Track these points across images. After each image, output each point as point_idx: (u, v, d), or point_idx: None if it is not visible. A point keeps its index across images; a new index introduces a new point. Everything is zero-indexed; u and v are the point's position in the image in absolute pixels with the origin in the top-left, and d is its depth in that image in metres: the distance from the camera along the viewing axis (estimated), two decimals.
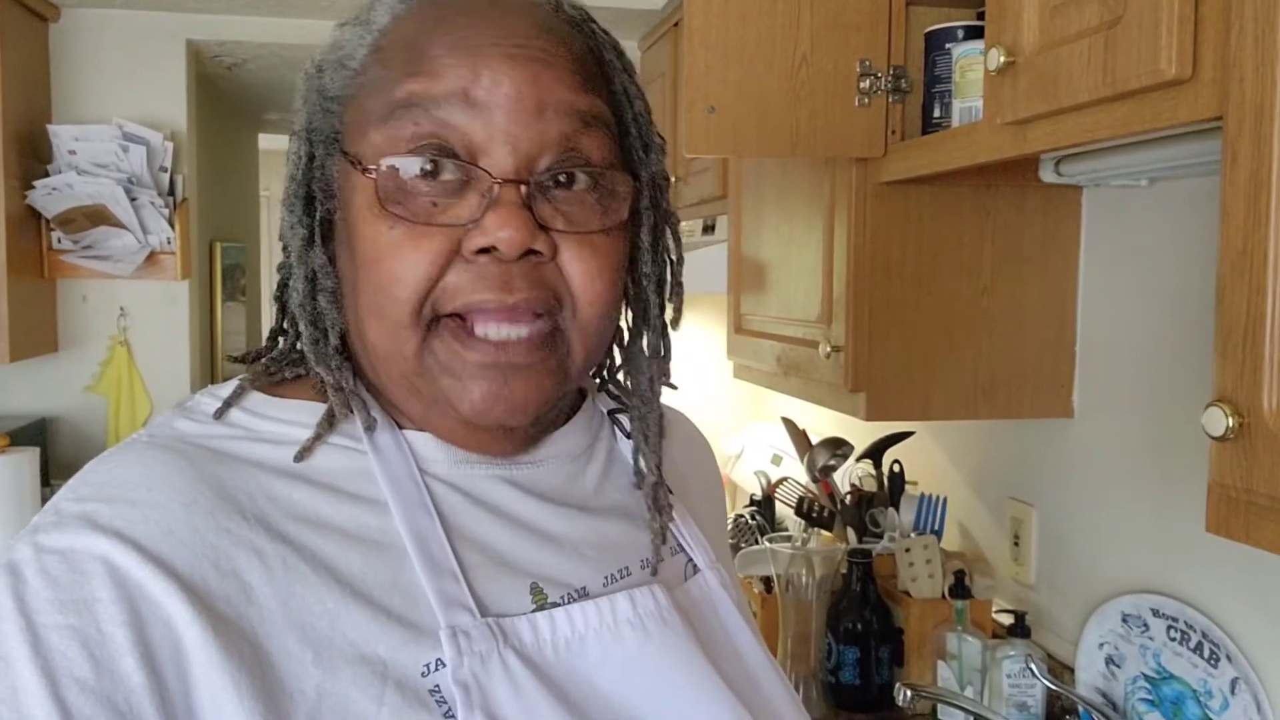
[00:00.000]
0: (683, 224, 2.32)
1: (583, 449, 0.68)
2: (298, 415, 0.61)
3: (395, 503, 0.58)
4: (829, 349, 1.46)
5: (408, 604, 0.56)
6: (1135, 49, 0.83)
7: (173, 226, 2.44)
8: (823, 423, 2.18)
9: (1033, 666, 1.43)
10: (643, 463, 0.69)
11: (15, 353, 2.24)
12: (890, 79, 1.32)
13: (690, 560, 0.70)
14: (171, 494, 0.54)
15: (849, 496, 1.91)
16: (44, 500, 2.22)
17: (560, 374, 0.60)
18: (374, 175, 0.57)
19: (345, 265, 0.61)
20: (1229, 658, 1.23)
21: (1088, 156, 1.19)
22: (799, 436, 2.07)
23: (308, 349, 0.62)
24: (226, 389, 0.62)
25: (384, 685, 0.53)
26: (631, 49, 2.74)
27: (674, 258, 0.70)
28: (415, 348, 0.58)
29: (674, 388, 0.73)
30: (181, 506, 0.54)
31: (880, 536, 1.81)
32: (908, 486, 1.86)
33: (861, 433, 1.95)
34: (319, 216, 0.62)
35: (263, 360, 0.65)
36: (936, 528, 1.78)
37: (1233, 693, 1.22)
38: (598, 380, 0.74)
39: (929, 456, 1.93)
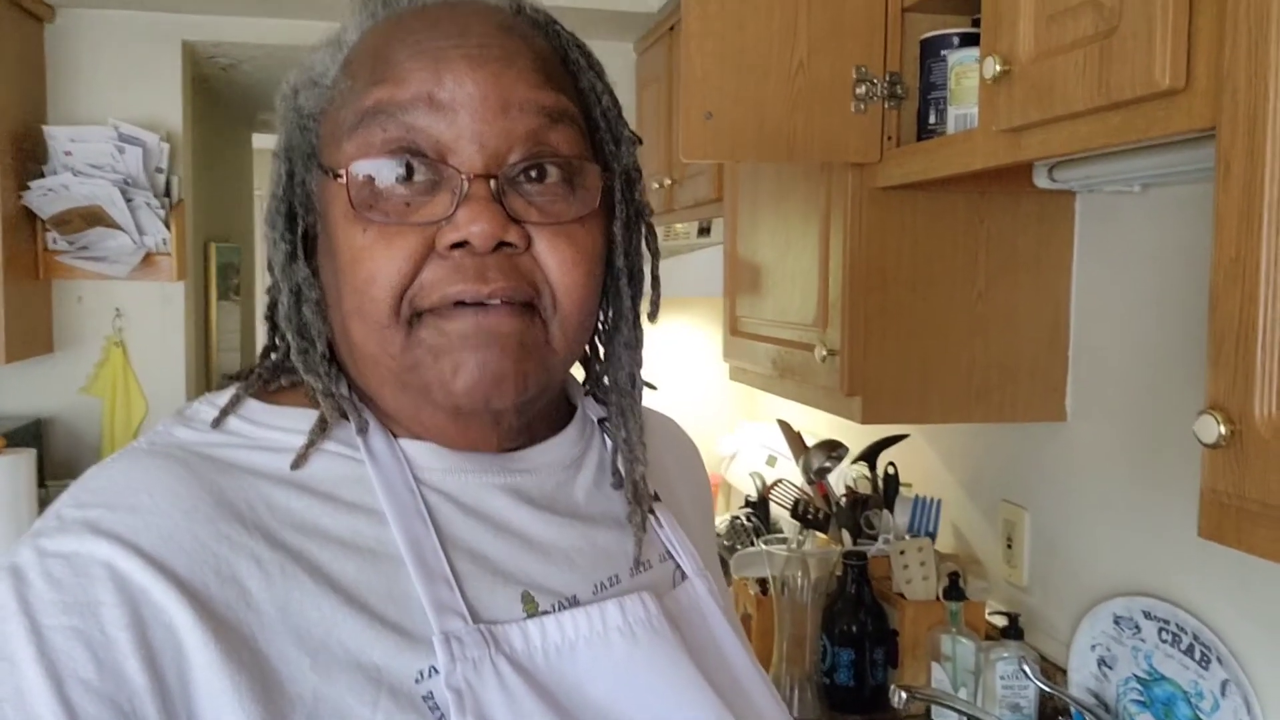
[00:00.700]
0: (678, 226, 2.34)
1: (574, 458, 0.69)
2: (295, 422, 0.62)
3: (391, 510, 0.59)
4: (825, 352, 1.47)
5: (402, 612, 0.57)
6: (1130, 59, 0.84)
7: (168, 227, 2.44)
8: (818, 425, 2.19)
9: (1026, 668, 1.44)
10: (621, 463, 0.69)
11: (10, 354, 2.24)
12: (886, 85, 1.33)
13: (678, 567, 0.71)
14: (172, 501, 0.55)
15: (844, 498, 1.92)
16: (40, 501, 2.20)
17: (539, 355, 0.61)
18: (346, 181, 0.58)
19: (328, 275, 0.62)
20: (1219, 660, 1.24)
21: (1081, 162, 1.20)
22: (794, 439, 2.08)
23: (296, 359, 0.63)
24: (224, 397, 0.63)
25: (378, 691, 0.54)
26: (627, 52, 2.75)
27: (650, 250, 0.71)
28: (400, 345, 0.59)
29: (653, 388, 0.74)
30: (182, 513, 0.54)
31: (875, 538, 1.82)
32: (902, 489, 1.87)
33: (856, 435, 1.96)
34: (300, 231, 0.63)
35: (256, 371, 0.66)
36: (931, 530, 1.79)
37: (1223, 694, 1.24)
38: (585, 386, 0.75)
39: (923, 459, 1.94)
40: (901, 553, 1.67)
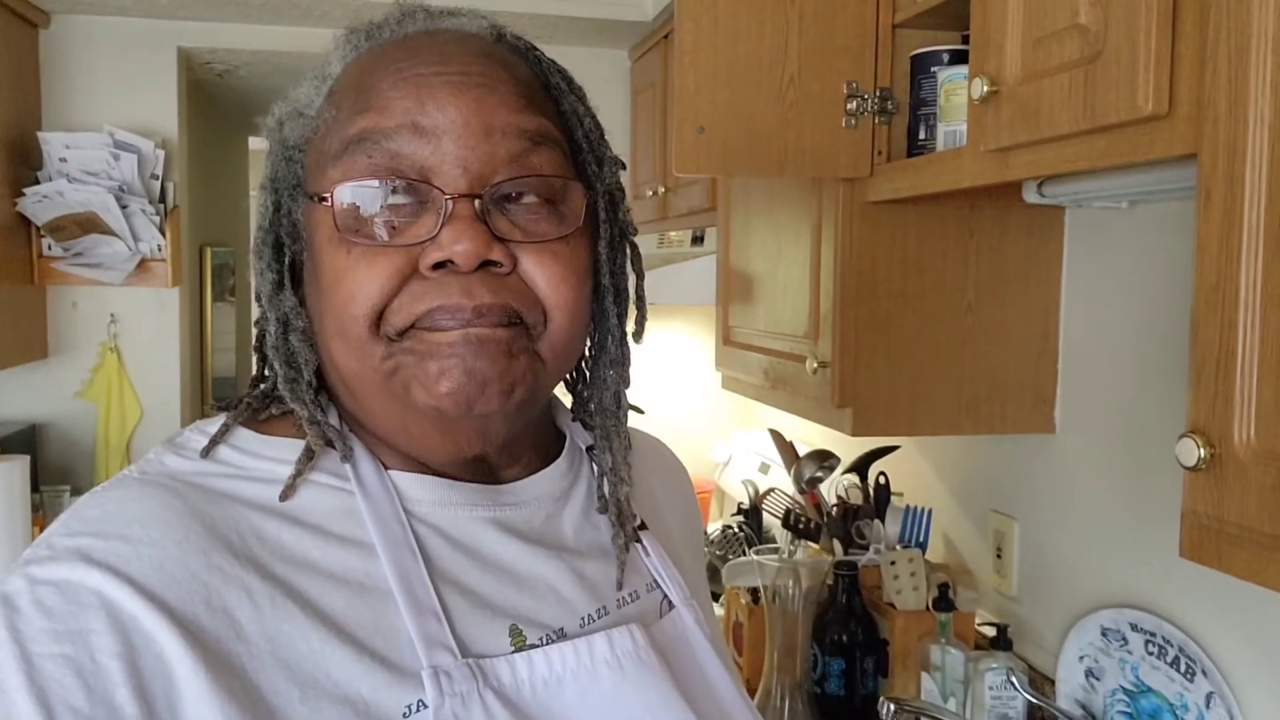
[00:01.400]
0: (672, 234, 2.35)
1: (563, 490, 0.69)
2: (285, 452, 0.62)
3: (381, 543, 0.60)
4: (816, 364, 1.48)
5: (390, 646, 0.57)
6: (1114, 84, 0.85)
7: (163, 233, 2.44)
8: (809, 434, 2.20)
9: (1014, 680, 1.45)
10: (606, 486, 0.70)
11: (5, 359, 2.24)
12: (877, 101, 1.34)
13: (665, 597, 0.71)
14: (164, 531, 0.55)
15: (835, 508, 1.93)
16: (34, 508, 2.19)
17: (527, 361, 0.61)
18: (331, 204, 0.59)
19: (313, 302, 0.63)
20: (1204, 672, 1.25)
21: (1070, 179, 1.21)
22: (786, 448, 2.09)
23: (283, 388, 0.63)
24: (214, 425, 0.63)
25: None
26: (621, 59, 2.76)
27: (635, 270, 0.71)
28: (381, 354, 0.59)
29: (640, 411, 0.74)
30: (174, 543, 0.55)
31: (866, 548, 1.83)
32: (893, 498, 1.88)
33: (848, 445, 1.97)
34: (287, 261, 0.64)
35: (245, 400, 0.66)
36: (921, 539, 1.80)
37: (1208, 706, 1.25)
38: (573, 416, 0.75)
39: (914, 469, 1.95)
40: (892, 563, 1.68)
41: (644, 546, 0.71)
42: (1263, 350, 0.70)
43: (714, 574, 2.02)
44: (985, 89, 1.01)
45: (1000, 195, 1.35)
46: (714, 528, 2.34)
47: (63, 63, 2.47)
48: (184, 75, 2.61)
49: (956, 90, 1.21)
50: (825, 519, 1.93)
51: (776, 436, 2.12)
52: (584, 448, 0.74)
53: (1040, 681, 1.55)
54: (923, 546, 1.78)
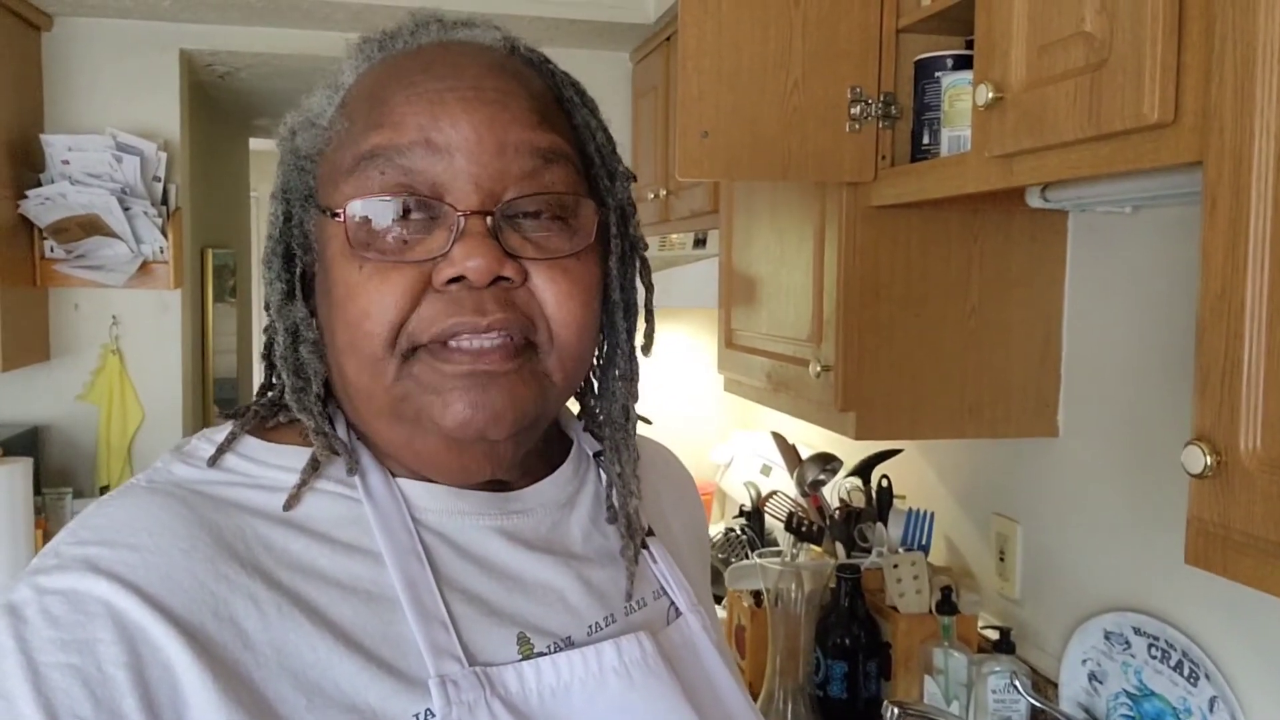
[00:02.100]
0: (674, 236, 2.35)
1: (569, 496, 0.70)
2: (292, 461, 0.62)
3: (388, 551, 0.60)
4: (819, 368, 1.48)
5: (397, 655, 0.57)
6: (1119, 92, 0.85)
7: (165, 236, 2.44)
8: (812, 436, 2.20)
9: (1017, 683, 1.45)
10: (615, 497, 0.70)
11: (7, 361, 2.24)
12: (880, 105, 1.34)
13: (672, 604, 0.71)
14: (171, 540, 0.55)
15: (838, 511, 1.93)
16: (36, 510, 2.19)
17: (537, 386, 0.61)
18: (344, 220, 0.59)
19: (325, 315, 0.63)
20: (1208, 676, 1.25)
21: (1073, 183, 1.20)
22: (788, 451, 2.09)
23: (291, 399, 0.63)
24: (221, 433, 0.63)
25: None
26: (623, 62, 2.76)
27: (644, 284, 0.71)
28: (392, 377, 0.59)
29: (648, 422, 0.74)
30: (181, 552, 0.55)
31: (868, 551, 1.83)
32: (896, 501, 1.88)
33: (851, 448, 1.97)
34: (298, 271, 0.64)
35: (252, 408, 0.66)
36: (924, 542, 1.80)
37: (1211, 710, 1.25)
38: (581, 422, 0.75)
39: (917, 472, 1.95)
40: (895, 566, 1.68)
41: (651, 553, 0.72)
42: (1269, 360, 0.70)
43: (716, 577, 2.02)
44: (990, 95, 1.01)
45: (1003, 200, 1.35)
46: (716, 530, 2.34)
47: (65, 65, 2.47)
48: (186, 77, 2.61)
49: (961, 96, 1.21)
50: (828, 522, 1.93)
51: (779, 439, 2.12)
52: (591, 454, 0.74)
53: (1043, 685, 1.55)
54: (925, 549, 1.78)
